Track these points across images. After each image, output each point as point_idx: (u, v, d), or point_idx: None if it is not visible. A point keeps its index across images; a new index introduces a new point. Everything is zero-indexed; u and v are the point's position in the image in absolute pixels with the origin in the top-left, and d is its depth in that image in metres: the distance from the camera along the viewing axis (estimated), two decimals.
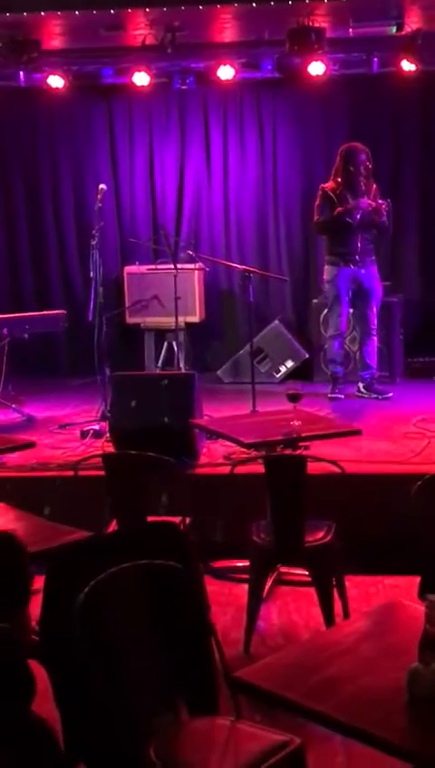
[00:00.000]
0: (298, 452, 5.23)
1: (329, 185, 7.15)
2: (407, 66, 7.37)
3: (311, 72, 7.52)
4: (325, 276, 7.30)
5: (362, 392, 7.33)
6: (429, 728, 2.08)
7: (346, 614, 4.32)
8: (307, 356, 8.19)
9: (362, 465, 5.42)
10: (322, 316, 7.83)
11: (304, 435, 4.67)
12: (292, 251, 8.72)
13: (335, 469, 4.32)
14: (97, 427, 6.27)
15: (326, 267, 7.29)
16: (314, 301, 8.26)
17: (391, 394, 7.22)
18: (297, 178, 8.61)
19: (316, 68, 7.46)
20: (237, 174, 8.65)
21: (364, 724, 2.08)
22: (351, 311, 7.38)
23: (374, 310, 7.25)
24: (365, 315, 7.26)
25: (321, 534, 4.25)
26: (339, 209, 6.99)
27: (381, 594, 4.75)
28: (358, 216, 6.98)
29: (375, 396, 7.24)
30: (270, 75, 7.93)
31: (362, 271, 7.14)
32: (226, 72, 7.74)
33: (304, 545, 4.16)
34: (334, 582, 4.32)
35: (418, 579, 3.82)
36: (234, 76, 7.82)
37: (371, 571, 4.97)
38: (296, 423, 4.65)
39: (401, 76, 7.57)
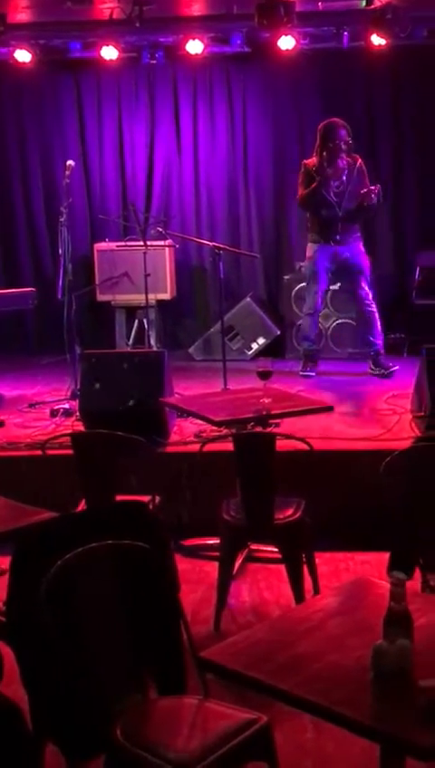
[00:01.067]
0: (269, 429, 5.23)
1: (311, 161, 7.08)
2: (377, 41, 7.32)
3: (281, 47, 7.45)
4: (307, 253, 7.25)
5: (372, 369, 7.25)
6: (392, 706, 2.08)
7: (316, 590, 4.33)
8: (278, 333, 8.18)
9: (333, 442, 5.43)
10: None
11: (274, 412, 4.66)
12: (263, 227, 8.68)
13: (305, 446, 4.32)
14: (67, 405, 6.24)
15: (308, 244, 7.24)
16: (286, 277, 8.24)
17: (396, 367, 7.08)
18: (268, 154, 8.56)
19: (286, 42, 7.39)
20: (207, 149, 8.58)
21: (329, 702, 2.08)
22: (330, 288, 7.30)
23: (364, 286, 7.15)
24: (356, 291, 7.18)
25: (290, 511, 4.25)
26: (318, 179, 6.92)
27: (351, 570, 4.77)
28: (336, 183, 6.92)
29: (381, 371, 7.13)
30: (240, 50, 7.85)
31: (345, 249, 7.07)
32: (195, 47, 7.65)
33: (273, 522, 4.16)
34: (305, 559, 4.33)
35: (388, 554, 3.84)
36: (203, 51, 7.73)
37: (341, 547, 4.99)
38: (267, 400, 4.64)
39: (372, 50, 7.52)
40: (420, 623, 2.40)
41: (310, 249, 7.21)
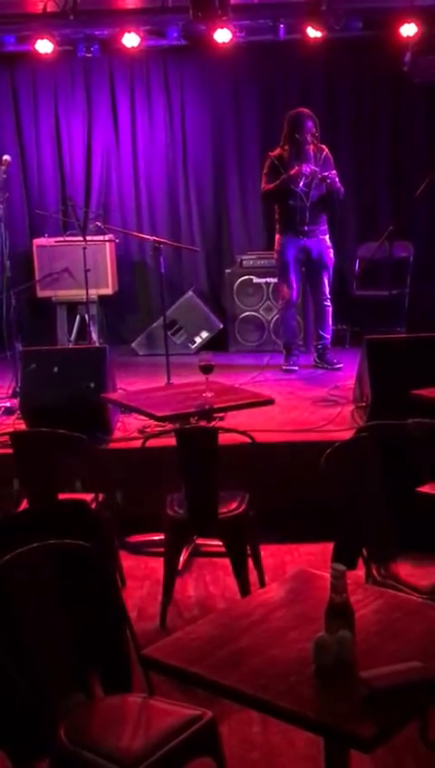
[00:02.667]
0: (213, 423, 5.23)
1: (276, 152, 6.98)
2: (312, 33, 7.34)
3: (217, 40, 7.43)
4: (275, 246, 7.19)
5: (317, 362, 7.28)
6: (334, 698, 2.09)
7: (262, 583, 4.34)
8: (221, 326, 8.19)
9: (275, 434, 5.44)
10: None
11: (216, 406, 4.66)
12: (204, 220, 8.67)
13: (247, 439, 4.31)
14: (8, 404, 6.16)
15: (276, 236, 7.17)
16: (228, 271, 8.24)
17: (340, 365, 7.12)
18: (207, 146, 8.56)
19: (222, 35, 7.38)
20: (146, 143, 8.54)
21: (270, 696, 2.08)
22: (300, 280, 7.23)
23: (325, 280, 7.13)
24: (316, 285, 7.17)
25: (234, 505, 4.25)
26: (282, 177, 6.86)
27: (296, 562, 4.79)
28: (301, 183, 6.83)
29: (326, 366, 7.17)
30: (176, 43, 7.81)
31: (312, 241, 7.01)
32: (131, 40, 7.59)
33: (217, 516, 4.16)
34: (250, 552, 4.34)
35: (332, 545, 3.86)
36: (139, 44, 7.67)
37: (286, 539, 5.01)
38: (209, 394, 4.63)
39: (308, 43, 7.54)
40: (362, 614, 2.41)
41: (278, 242, 7.14)
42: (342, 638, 2.16)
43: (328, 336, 7.25)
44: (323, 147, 7.03)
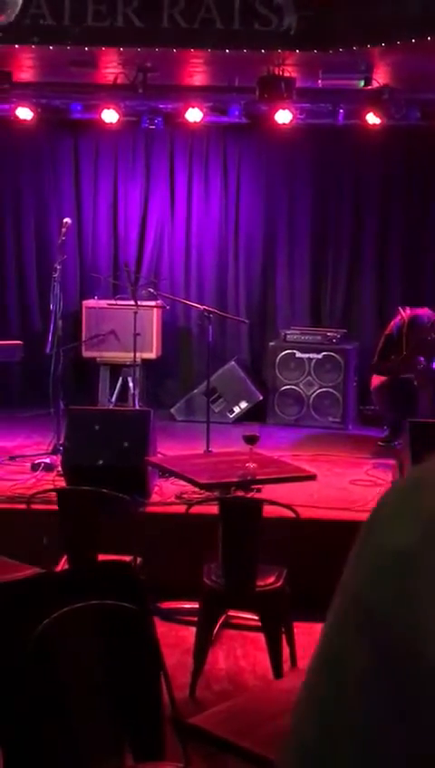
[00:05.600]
0: (251, 494, 5.23)
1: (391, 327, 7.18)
2: (372, 120, 7.52)
3: (278, 120, 7.63)
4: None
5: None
6: None
7: (293, 662, 4.29)
8: (261, 398, 8.23)
9: (315, 511, 5.42)
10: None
11: (259, 477, 4.67)
12: (250, 293, 8.79)
13: (289, 513, 4.31)
14: (48, 460, 6.21)
15: None
16: (271, 344, 8.32)
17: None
18: (259, 222, 8.71)
19: (283, 116, 7.58)
20: (200, 215, 8.72)
21: None
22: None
23: None
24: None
25: (272, 579, 4.22)
26: (392, 365, 7.06)
27: None
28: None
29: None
30: (237, 120, 8.04)
31: None
32: (194, 115, 7.82)
33: (254, 590, 4.14)
34: (283, 629, 4.30)
35: None
36: (202, 119, 7.90)
37: (320, 618, 4.93)
38: (252, 465, 4.64)
39: (366, 129, 7.72)
40: None
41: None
42: None
43: None
44: None
